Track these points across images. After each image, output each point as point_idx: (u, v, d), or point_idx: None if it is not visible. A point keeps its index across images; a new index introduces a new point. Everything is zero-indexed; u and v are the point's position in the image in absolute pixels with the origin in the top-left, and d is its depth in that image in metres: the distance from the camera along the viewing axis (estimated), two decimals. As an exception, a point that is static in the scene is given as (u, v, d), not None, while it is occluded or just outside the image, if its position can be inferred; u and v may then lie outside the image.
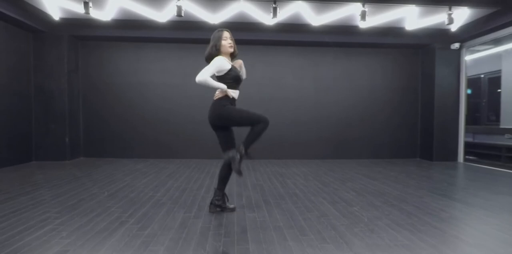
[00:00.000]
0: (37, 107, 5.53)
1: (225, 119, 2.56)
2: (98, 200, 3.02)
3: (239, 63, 2.70)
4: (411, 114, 6.51)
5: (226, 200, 2.73)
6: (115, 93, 6.05)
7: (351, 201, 3.13)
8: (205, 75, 2.43)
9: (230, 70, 2.53)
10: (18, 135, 5.20)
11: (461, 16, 5.04)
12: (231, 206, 2.77)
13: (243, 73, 2.72)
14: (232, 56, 2.67)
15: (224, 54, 2.60)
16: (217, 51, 2.57)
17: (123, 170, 4.75)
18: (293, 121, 6.17)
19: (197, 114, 6.10)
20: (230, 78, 2.55)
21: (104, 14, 5.07)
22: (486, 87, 7.76)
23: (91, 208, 2.74)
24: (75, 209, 2.70)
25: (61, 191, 3.34)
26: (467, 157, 6.22)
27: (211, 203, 2.73)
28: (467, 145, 6.23)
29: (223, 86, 2.51)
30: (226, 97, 2.55)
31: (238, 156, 2.51)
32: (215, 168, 5.09)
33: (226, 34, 2.58)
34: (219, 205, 2.68)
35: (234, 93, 2.60)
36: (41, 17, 5.11)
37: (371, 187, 3.80)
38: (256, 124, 2.53)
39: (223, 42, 2.55)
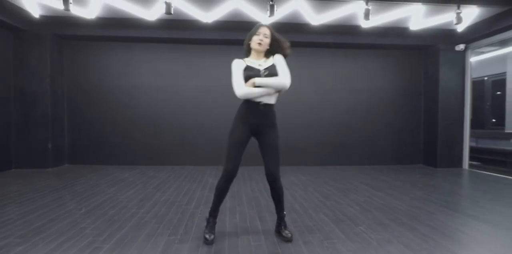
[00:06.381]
0: (17, 110, 5.14)
1: None
2: (73, 219, 2.68)
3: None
4: (413, 118, 6.22)
5: (214, 217, 2.31)
6: (103, 96, 5.69)
7: (356, 218, 2.82)
8: (240, 87, 2.16)
9: (243, 70, 2.22)
10: (-5, 141, 4.83)
11: (469, 15, 4.76)
12: (209, 236, 2.20)
13: (276, 73, 2.35)
14: (268, 53, 2.35)
15: (254, 51, 2.29)
16: (247, 47, 2.32)
17: (108, 180, 4.40)
18: (290, 125, 5.84)
19: (190, 119, 5.78)
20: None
21: (87, 11, 4.73)
22: (490, 90, 7.50)
23: (62, 230, 2.39)
24: (42, 232, 2.35)
25: (33, 207, 2.99)
26: (470, 162, 5.95)
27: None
28: (470, 150, 5.96)
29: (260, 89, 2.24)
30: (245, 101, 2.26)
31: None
32: (208, 176, 4.76)
33: (262, 29, 2.24)
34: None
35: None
36: (21, 14, 4.75)
37: (377, 200, 3.49)
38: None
39: (254, 38, 2.24)
